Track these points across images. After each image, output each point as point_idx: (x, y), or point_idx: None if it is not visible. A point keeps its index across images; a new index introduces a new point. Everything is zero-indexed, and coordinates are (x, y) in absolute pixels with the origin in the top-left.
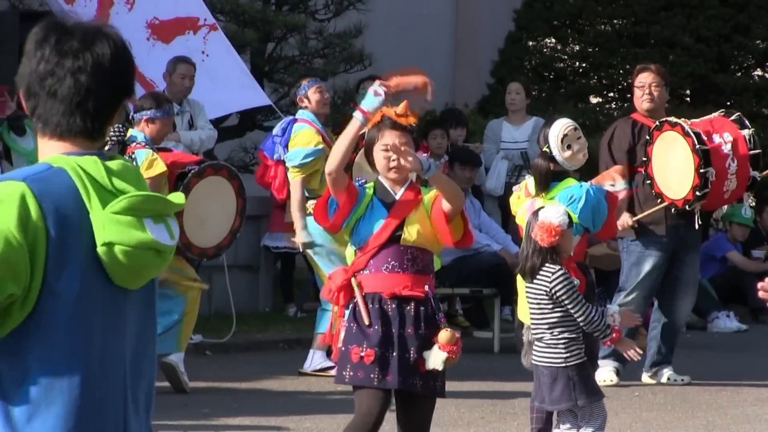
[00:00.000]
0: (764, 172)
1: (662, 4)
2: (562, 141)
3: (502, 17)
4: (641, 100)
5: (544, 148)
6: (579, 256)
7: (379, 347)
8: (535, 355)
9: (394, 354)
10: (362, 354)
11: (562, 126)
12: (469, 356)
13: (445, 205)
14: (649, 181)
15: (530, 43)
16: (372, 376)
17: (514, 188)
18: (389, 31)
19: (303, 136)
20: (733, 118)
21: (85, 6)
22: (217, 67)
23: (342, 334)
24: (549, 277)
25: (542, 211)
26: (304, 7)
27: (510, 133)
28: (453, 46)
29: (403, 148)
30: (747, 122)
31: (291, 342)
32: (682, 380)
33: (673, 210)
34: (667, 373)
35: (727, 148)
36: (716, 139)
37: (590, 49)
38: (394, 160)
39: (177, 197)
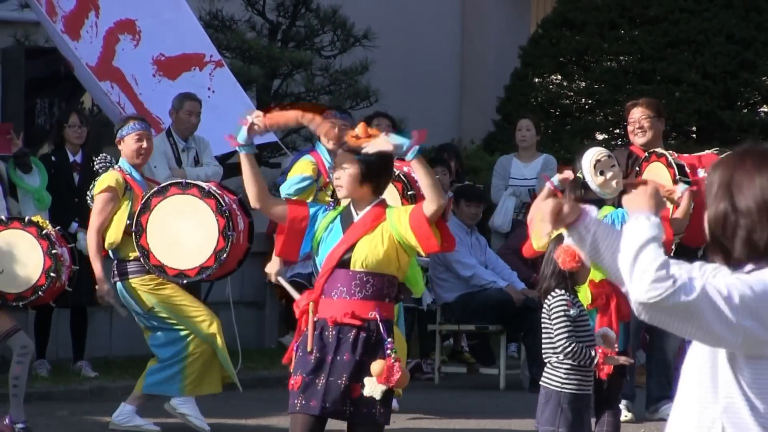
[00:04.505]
0: None
1: (668, 40)
2: (594, 167)
3: (508, 54)
4: (633, 135)
5: (577, 174)
6: None
7: (308, 374)
8: (543, 376)
9: (323, 380)
10: (292, 382)
11: (595, 152)
12: (474, 393)
13: (427, 209)
14: None
15: (536, 80)
16: (295, 401)
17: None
18: (395, 67)
19: (297, 166)
20: (722, 156)
21: (90, 42)
22: (222, 104)
23: (293, 363)
24: (551, 299)
25: None
26: (310, 43)
27: (519, 170)
28: (459, 82)
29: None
30: None
31: None
32: None
33: None
34: (669, 408)
35: None
36: (701, 173)
37: (596, 86)
38: (336, 179)
39: None
